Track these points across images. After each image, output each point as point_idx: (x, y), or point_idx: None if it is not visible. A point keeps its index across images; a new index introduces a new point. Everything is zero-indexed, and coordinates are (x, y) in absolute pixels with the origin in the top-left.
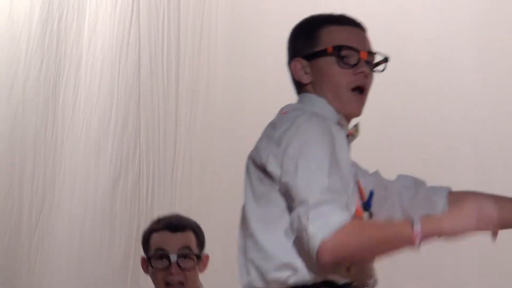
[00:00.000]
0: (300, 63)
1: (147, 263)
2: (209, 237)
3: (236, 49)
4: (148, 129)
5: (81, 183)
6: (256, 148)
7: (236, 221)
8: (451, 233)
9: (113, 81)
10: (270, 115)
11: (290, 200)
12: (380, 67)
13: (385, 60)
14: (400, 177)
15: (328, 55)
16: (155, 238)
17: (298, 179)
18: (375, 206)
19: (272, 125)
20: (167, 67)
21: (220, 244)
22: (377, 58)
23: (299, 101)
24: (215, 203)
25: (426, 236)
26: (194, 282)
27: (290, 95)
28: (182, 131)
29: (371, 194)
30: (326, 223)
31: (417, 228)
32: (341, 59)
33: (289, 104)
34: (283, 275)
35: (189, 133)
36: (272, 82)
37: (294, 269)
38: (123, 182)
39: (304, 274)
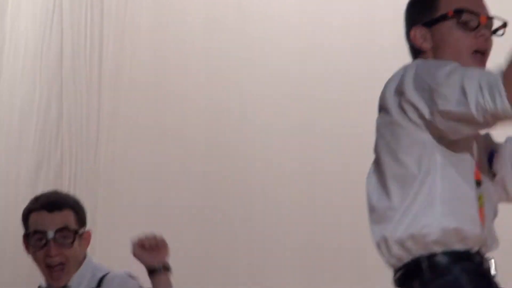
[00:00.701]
0: (420, 30)
1: (28, 243)
2: (131, 220)
3: (161, 33)
4: (71, 114)
5: (3, 168)
6: (385, 108)
7: (161, 205)
8: None
9: (35, 64)
10: (193, 98)
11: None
12: (500, 32)
13: (504, 25)
14: (509, 139)
15: (449, 19)
16: (33, 218)
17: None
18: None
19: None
20: (90, 50)
21: (143, 227)
22: (496, 23)
23: None
24: (139, 187)
25: None
26: (75, 260)
27: (214, 79)
28: (105, 116)
29: (492, 154)
30: (490, 76)
31: None
32: (462, 23)
33: None
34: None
35: (112, 117)
36: (196, 65)
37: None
38: (45, 168)
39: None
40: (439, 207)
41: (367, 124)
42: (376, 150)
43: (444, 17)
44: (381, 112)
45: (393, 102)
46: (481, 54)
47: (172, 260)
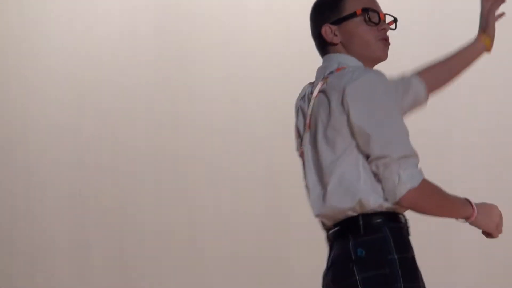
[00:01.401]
0: (330, 27)
1: None
2: None
3: None
4: None
5: None
6: (321, 104)
7: None
8: (479, 226)
9: None
10: None
11: (362, 141)
12: (392, 26)
13: (395, 20)
14: None
15: (356, 17)
16: None
17: (383, 127)
18: None
19: (336, 79)
20: None
21: None
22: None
23: (335, 58)
24: None
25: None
26: None
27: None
28: None
29: None
30: (414, 175)
31: (475, 210)
32: (368, 19)
33: (329, 63)
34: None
35: None
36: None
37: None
38: None
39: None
40: (373, 188)
41: None
42: (312, 130)
43: (352, 15)
44: (322, 97)
45: (336, 99)
46: (385, 40)
47: None
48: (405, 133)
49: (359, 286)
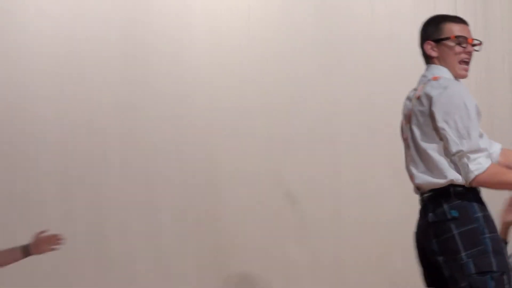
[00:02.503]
0: (430, 44)
1: None
2: None
3: None
4: None
5: None
6: (419, 104)
7: None
8: None
9: None
10: None
11: (444, 140)
12: (477, 47)
13: (480, 43)
14: None
15: (451, 40)
16: None
17: (458, 129)
18: None
19: (430, 88)
20: None
21: None
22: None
23: (433, 69)
24: None
25: None
26: None
27: None
28: None
29: None
30: (480, 164)
31: None
32: (459, 43)
33: (428, 72)
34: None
35: None
36: None
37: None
38: None
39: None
40: (459, 171)
41: None
42: (412, 123)
43: (448, 38)
44: (420, 100)
45: (427, 105)
46: (466, 63)
47: None
48: (476, 134)
49: (457, 239)
